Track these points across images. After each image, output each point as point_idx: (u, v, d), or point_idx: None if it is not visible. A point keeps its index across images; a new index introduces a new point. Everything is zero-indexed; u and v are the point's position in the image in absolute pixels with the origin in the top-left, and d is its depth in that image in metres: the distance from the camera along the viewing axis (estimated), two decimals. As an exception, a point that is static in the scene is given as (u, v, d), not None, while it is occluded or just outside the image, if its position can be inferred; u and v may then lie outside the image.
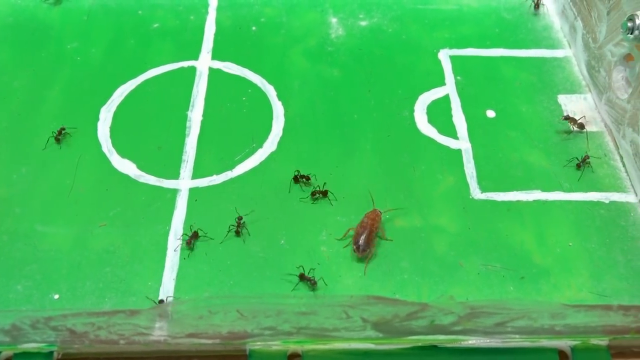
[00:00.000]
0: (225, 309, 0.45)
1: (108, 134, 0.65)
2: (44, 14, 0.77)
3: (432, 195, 0.60)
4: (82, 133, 0.64)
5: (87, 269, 0.54)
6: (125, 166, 0.62)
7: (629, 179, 0.61)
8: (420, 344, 0.49)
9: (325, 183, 0.59)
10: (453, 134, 0.65)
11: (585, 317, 0.46)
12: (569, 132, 0.65)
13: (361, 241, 0.54)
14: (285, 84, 0.70)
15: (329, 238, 0.56)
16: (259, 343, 0.48)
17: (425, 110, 0.67)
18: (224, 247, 0.55)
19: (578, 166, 0.61)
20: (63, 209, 0.58)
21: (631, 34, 0.58)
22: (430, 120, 0.66)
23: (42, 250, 0.55)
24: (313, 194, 0.58)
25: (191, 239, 0.55)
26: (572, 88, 0.70)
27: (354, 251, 0.54)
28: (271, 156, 0.63)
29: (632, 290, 0.53)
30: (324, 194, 0.58)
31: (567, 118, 0.64)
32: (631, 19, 0.58)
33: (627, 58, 0.63)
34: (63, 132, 0.63)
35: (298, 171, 0.60)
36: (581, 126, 0.64)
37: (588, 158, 0.61)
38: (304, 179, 0.59)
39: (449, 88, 0.70)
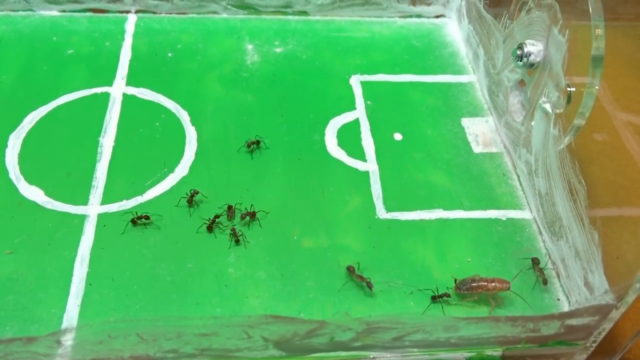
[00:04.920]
0: (124, 333, 0.45)
1: (16, 160, 0.64)
2: (-47, 39, 0.76)
3: (339, 215, 0.61)
4: (-11, 160, 0.64)
5: (-13, 298, 0.53)
6: (33, 193, 0.61)
7: (525, 196, 0.65)
8: (323, 361, 0.50)
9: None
10: (361, 157, 0.67)
11: (477, 329, 0.49)
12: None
13: (467, 284, 0.55)
14: (199, 109, 0.71)
15: (237, 260, 0.57)
16: (162, 366, 0.48)
17: (336, 134, 0.69)
18: (131, 271, 0.56)
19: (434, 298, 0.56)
20: (-35, 237, 0.57)
21: (520, 61, 0.62)
22: (340, 144, 0.68)
23: (-60, 280, 0.54)
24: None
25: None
26: (475, 111, 0.74)
27: (457, 286, 0.55)
28: (182, 180, 0.63)
29: (524, 302, 0.56)
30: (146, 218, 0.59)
31: None
32: (520, 47, 0.62)
33: (521, 83, 0.67)
34: None
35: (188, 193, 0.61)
36: None
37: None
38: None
39: (359, 112, 0.72)
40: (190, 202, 0.60)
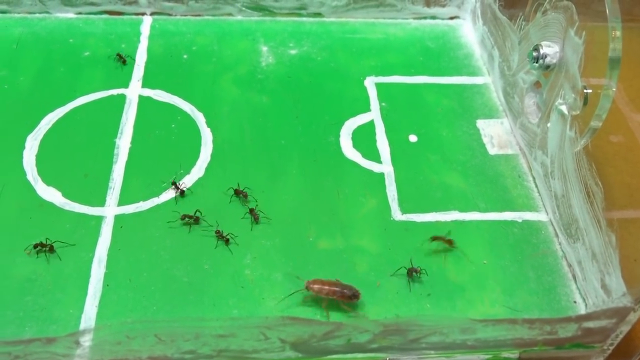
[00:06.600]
0: (143, 334, 0.45)
1: (34, 162, 0.64)
2: (-29, 42, 0.77)
3: (354, 217, 0.62)
4: (7, 161, 0.64)
5: (7, 298, 0.53)
6: (50, 194, 0.61)
7: (541, 198, 0.64)
8: (339, 363, 0.50)
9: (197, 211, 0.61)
10: (377, 158, 0.67)
11: (494, 331, 0.48)
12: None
13: (318, 284, 0.54)
14: (214, 111, 0.71)
15: (253, 261, 0.57)
16: (180, 367, 0.49)
17: (351, 136, 0.70)
18: (148, 272, 0.56)
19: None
20: (-16, 238, 0.58)
21: (536, 62, 0.62)
22: (355, 145, 0.69)
23: (-40, 280, 0.54)
24: (183, 217, 0.60)
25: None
26: (490, 113, 0.74)
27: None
28: (198, 182, 0.64)
29: (541, 305, 0.56)
30: (196, 220, 0.59)
31: None
32: (536, 49, 0.62)
33: (537, 85, 0.67)
34: None
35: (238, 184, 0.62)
36: None
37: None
38: (241, 195, 0.62)
39: (374, 114, 0.72)
40: (182, 193, 0.62)
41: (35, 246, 0.56)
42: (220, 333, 0.46)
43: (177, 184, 0.62)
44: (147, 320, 0.48)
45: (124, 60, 0.75)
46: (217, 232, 0.58)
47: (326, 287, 0.54)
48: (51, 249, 0.56)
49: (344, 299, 0.54)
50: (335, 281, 0.55)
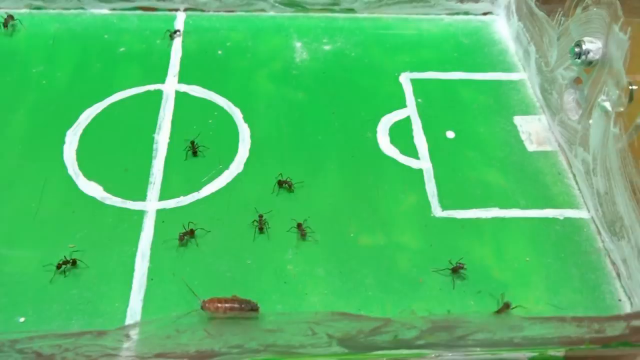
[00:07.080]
0: (192, 328, 0.46)
1: (74, 157, 0.65)
2: (8, 38, 0.78)
3: (395, 213, 0.61)
4: (48, 156, 0.64)
5: (53, 292, 0.54)
6: (92, 188, 0.62)
7: (582, 196, 0.64)
8: (385, 359, 0.50)
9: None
10: (414, 154, 0.67)
11: (541, 329, 0.48)
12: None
13: (214, 303, 0.51)
14: (251, 106, 0.71)
15: (295, 257, 0.57)
16: (226, 362, 0.49)
17: (388, 132, 0.69)
18: (192, 267, 0.56)
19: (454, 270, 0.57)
20: (28, 231, 0.58)
21: (578, 58, 0.62)
22: (392, 141, 0.68)
23: (6, 273, 0.55)
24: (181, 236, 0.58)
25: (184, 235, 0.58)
26: (527, 109, 0.73)
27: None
28: (238, 177, 0.64)
29: (585, 303, 0.56)
30: (192, 232, 0.58)
31: None
32: (578, 44, 0.62)
33: (577, 81, 0.66)
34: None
35: (281, 175, 0.63)
36: None
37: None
38: (286, 184, 0.62)
39: (410, 110, 0.72)
40: (195, 153, 0.65)
41: (59, 266, 0.55)
42: (269, 328, 0.46)
43: (195, 144, 0.65)
44: (196, 314, 0.48)
45: (171, 36, 0.78)
46: (260, 216, 0.59)
47: (223, 305, 0.51)
48: (74, 263, 0.55)
49: (244, 312, 0.52)
50: (232, 298, 0.53)
